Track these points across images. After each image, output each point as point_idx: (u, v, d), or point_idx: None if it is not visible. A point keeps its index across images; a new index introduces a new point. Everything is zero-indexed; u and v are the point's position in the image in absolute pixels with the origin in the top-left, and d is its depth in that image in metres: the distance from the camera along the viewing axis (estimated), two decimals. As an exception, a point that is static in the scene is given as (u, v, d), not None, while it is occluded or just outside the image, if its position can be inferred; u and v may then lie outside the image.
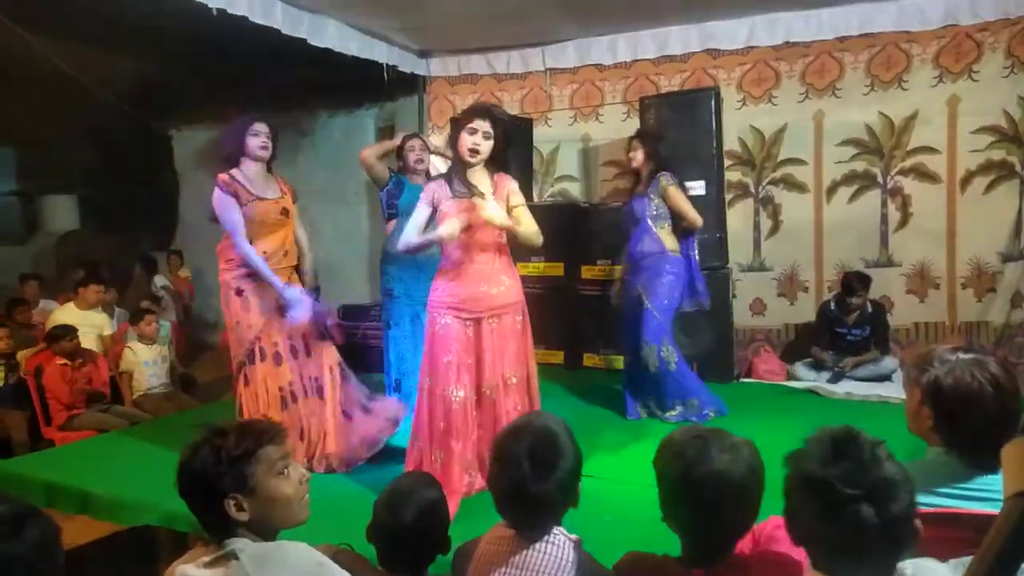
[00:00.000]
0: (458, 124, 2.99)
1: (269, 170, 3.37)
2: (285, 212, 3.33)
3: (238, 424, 1.63)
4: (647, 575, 1.58)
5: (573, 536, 1.66)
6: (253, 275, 3.23)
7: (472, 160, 2.92)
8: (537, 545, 1.61)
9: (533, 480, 1.59)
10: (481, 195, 2.92)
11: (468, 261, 2.94)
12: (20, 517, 1.29)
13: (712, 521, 1.48)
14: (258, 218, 3.23)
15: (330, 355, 3.42)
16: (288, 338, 3.30)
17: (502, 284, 2.97)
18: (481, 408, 2.95)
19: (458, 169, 2.97)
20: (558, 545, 1.62)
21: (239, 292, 3.25)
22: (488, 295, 2.93)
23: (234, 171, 3.26)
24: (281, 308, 3.26)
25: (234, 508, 1.52)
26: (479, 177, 2.97)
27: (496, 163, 3.00)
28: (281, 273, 3.28)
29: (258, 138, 3.26)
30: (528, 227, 2.97)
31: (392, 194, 4.03)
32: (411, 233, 2.96)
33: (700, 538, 1.51)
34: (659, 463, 1.57)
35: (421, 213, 2.98)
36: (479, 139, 2.90)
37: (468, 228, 2.90)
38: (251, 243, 3.21)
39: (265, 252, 3.24)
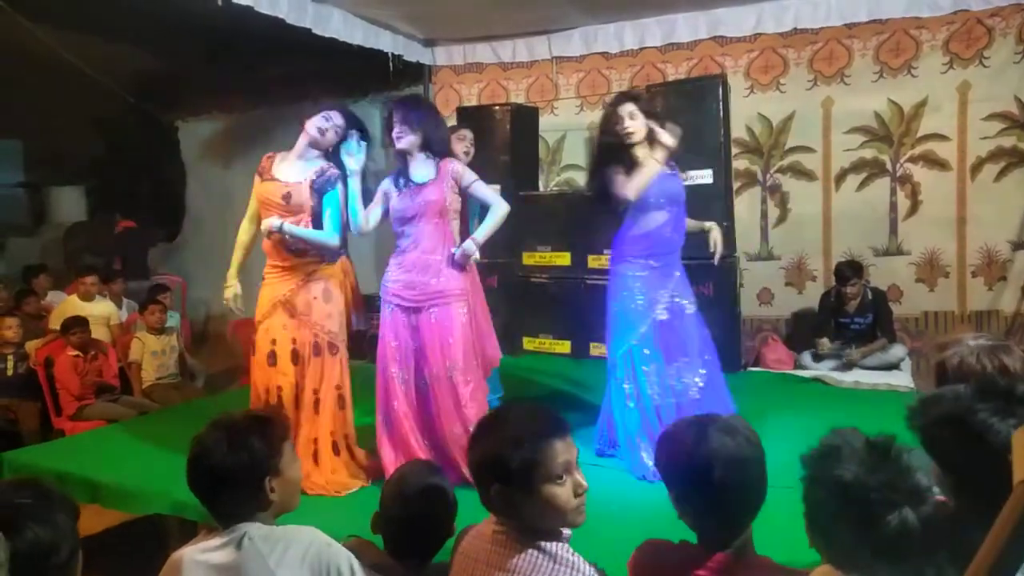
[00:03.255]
0: (386, 125, 3.08)
1: (328, 157, 3.09)
2: (286, 196, 2.98)
3: (273, 412, 1.75)
4: (669, 563, 1.57)
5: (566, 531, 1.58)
6: (274, 267, 3.07)
7: (403, 147, 3.00)
8: (527, 550, 1.52)
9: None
10: (415, 184, 2.98)
11: (413, 249, 3.00)
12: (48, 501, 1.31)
13: (722, 505, 1.48)
14: (263, 199, 3.07)
15: (325, 375, 3.06)
16: (292, 342, 3.01)
17: (442, 274, 2.98)
18: (428, 394, 2.99)
19: (401, 161, 3.07)
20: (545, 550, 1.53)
21: (263, 279, 3.12)
22: (427, 284, 2.97)
23: (285, 151, 3.11)
24: (289, 304, 3.02)
25: (269, 489, 1.60)
26: (422, 167, 3.03)
27: (435, 150, 3.05)
28: (295, 270, 3.03)
29: (316, 121, 3.04)
30: (495, 213, 3.04)
31: None
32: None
33: (716, 524, 1.51)
34: (660, 459, 1.57)
35: (374, 203, 3.08)
36: (402, 130, 2.99)
37: (412, 217, 2.98)
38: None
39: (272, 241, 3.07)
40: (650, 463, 2.87)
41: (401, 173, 3.05)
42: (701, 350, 3.19)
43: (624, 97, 3.25)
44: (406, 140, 3.00)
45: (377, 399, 3.07)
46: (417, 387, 3.00)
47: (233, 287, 3.18)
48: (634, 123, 3.11)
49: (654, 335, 3.09)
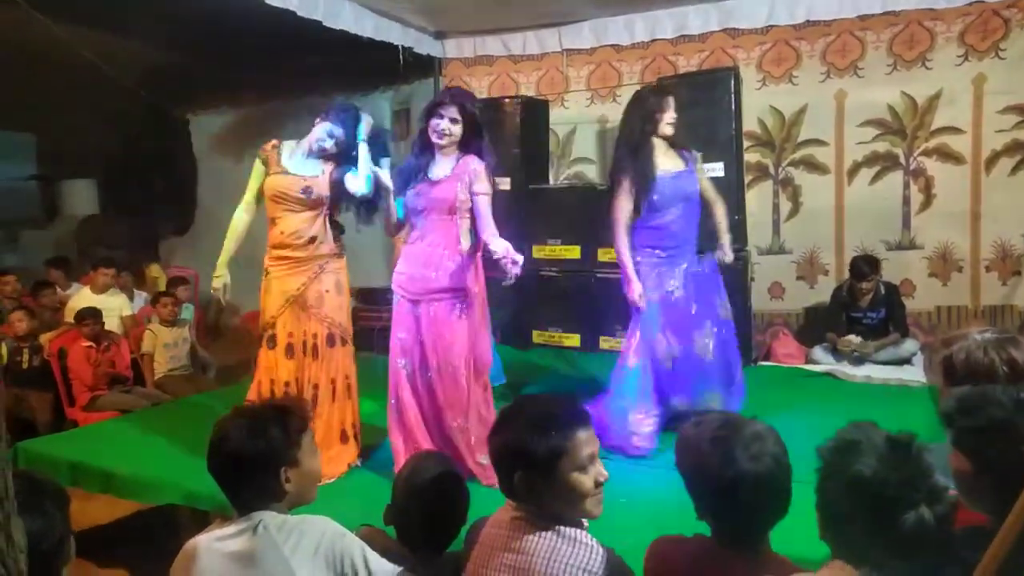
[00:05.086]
0: (427, 111, 3.01)
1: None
2: (307, 191, 3.01)
3: (293, 401, 1.73)
4: (683, 558, 1.56)
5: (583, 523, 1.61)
6: (282, 259, 3.07)
7: (441, 143, 2.95)
8: (544, 533, 1.55)
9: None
10: (430, 183, 2.94)
11: (419, 242, 2.99)
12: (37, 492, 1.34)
13: (747, 515, 1.47)
14: (275, 192, 3.04)
15: (338, 365, 3.13)
16: (305, 333, 3.06)
17: (444, 269, 2.94)
18: (432, 386, 2.99)
19: (426, 154, 3.01)
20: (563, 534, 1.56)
21: (266, 272, 3.12)
22: (427, 278, 2.94)
23: (290, 140, 3.13)
24: (301, 298, 3.06)
25: (284, 479, 1.61)
26: (443, 162, 2.98)
27: (470, 148, 2.98)
28: (307, 262, 3.05)
29: (319, 135, 3.06)
30: (483, 225, 2.88)
31: None
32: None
33: (737, 529, 1.50)
34: (683, 464, 1.55)
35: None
36: (446, 123, 2.93)
37: (423, 211, 2.95)
38: (272, 223, 3.08)
39: (282, 232, 3.04)
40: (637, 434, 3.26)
41: (421, 166, 2.99)
42: (708, 325, 3.42)
43: (667, 91, 3.56)
44: (455, 135, 2.94)
45: (389, 388, 3.10)
46: (423, 378, 3.02)
47: (223, 276, 3.17)
48: (676, 117, 3.38)
49: (659, 314, 3.35)
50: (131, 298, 5.84)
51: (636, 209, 3.38)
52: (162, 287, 6.17)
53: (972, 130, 4.86)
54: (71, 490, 3.19)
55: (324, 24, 4.63)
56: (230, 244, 3.18)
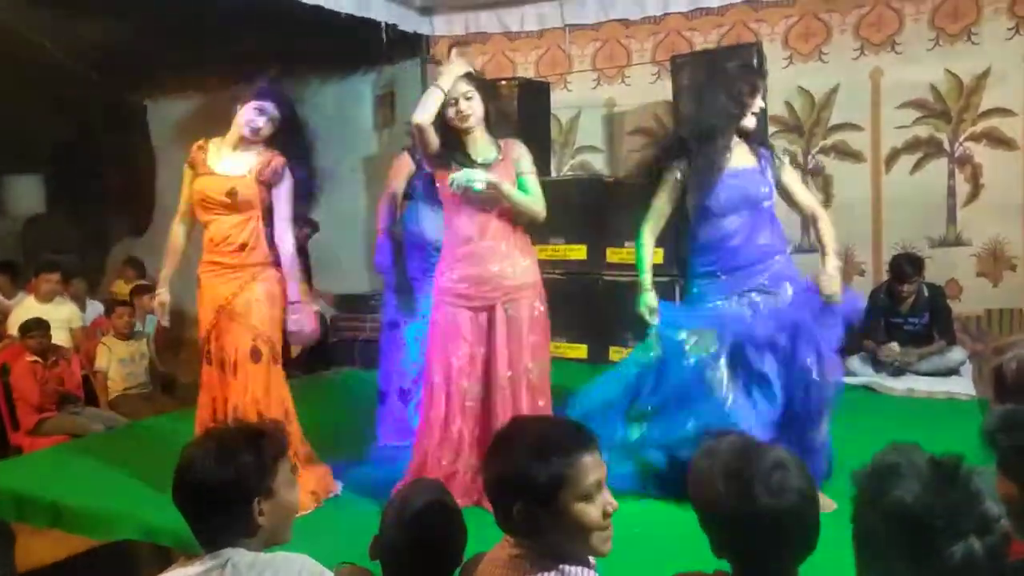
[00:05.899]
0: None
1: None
2: (231, 194, 2.99)
3: (267, 425, 1.74)
4: None
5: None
6: (213, 265, 3.07)
7: (464, 126, 2.92)
8: (545, 573, 1.54)
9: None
10: (479, 165, 2.93)
11: (479, 239, 2.94)
12: None
13: (769, 553, 1.45)
14: (200, 197, 3.05)
15: (265, 384, 3.04)
16: (235, 351, 3.03)
17: (518, 265, 2.96)
18: (495, 405, 2.93)
19: (454, 142, 2.95)
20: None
21: (198, 282, 3.12)
22: (503, 277, 2.93)
23: (217, 138, 3.12)
24: (230, 308, 3.03)
25: (258, 512, 1.60)
26: (482, 145, 2.98)
27: (492, 126, 3.00)
28: (239, 270, 3.04)
29: (248, 115, 3.03)
30: (532, 197, 3.01)
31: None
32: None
33: (758, 567, 1.49)
34: (695, 499, 1.53)
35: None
36: (462, 103, 2.90)
37: (480, 202, 2.91)
38: (204, 228, 3.08)
39: (211, 239, 3.05)
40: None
41: (451, 152, 2.94)
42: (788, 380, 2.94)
43: (760, 72, 3.42)
44: (477, 116, 2.93)
45: (423, 419, 2.99)
46: (484, 400, 2.95)
47: (162, 294, 3.23)
48: (763, 107, 3.06)
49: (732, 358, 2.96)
50: (83, 307, 5.83)
51: (684, 216, 3.03)
52: None
53: (1024, 112, 4.88)
54: (15, 525, 3.20)
55: (297, -1, 4.65)
56: (169, 259, 3.23)
